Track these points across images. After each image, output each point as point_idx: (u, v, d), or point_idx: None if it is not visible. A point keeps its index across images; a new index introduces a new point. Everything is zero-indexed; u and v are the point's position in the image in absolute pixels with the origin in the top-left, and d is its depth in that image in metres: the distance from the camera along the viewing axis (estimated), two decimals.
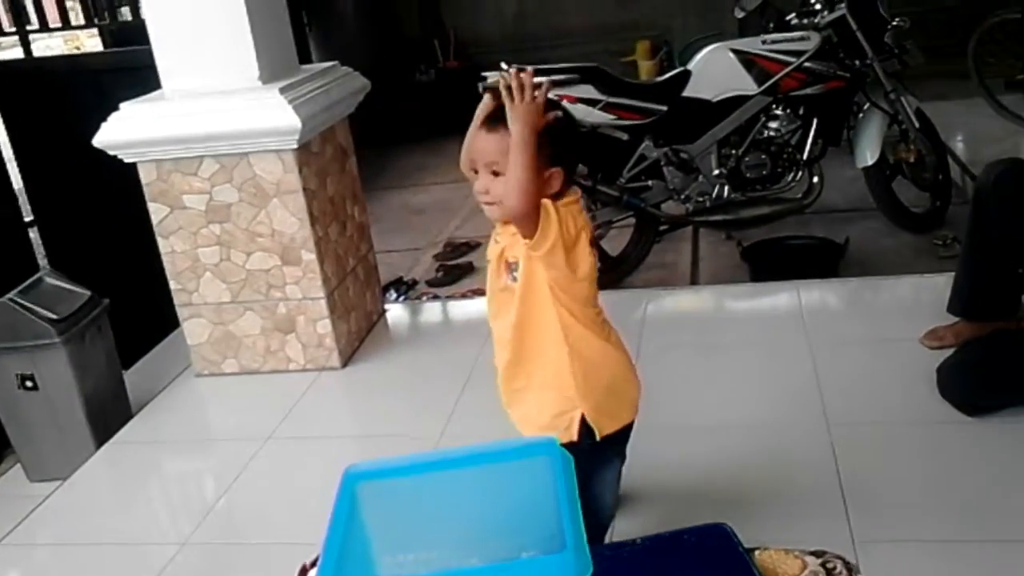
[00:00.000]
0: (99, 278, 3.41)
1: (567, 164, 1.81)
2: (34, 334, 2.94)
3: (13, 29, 6.41)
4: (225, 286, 3.32)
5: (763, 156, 4.16)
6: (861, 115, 4.24)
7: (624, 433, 2.01)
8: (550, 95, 3.97)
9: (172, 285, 3.35)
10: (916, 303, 3.42)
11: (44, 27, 6.70)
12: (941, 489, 2.37)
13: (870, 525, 2.25)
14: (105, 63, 4.67)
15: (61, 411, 3.03)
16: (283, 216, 3.21)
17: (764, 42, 4.07)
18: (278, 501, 2.70)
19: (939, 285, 3.41)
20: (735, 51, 4.07)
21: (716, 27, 6.83)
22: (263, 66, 3.17)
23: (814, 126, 4.14)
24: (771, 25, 4.19)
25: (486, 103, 1.80)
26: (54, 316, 2.97)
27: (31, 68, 5.12)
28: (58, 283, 3.16)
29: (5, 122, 4.62)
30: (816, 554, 1.18)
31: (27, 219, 4.42)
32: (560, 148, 1.76)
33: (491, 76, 3.94)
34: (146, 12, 3.23)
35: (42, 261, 4.42)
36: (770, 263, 4.09)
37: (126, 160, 3.21)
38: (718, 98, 4.05)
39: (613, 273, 4.20)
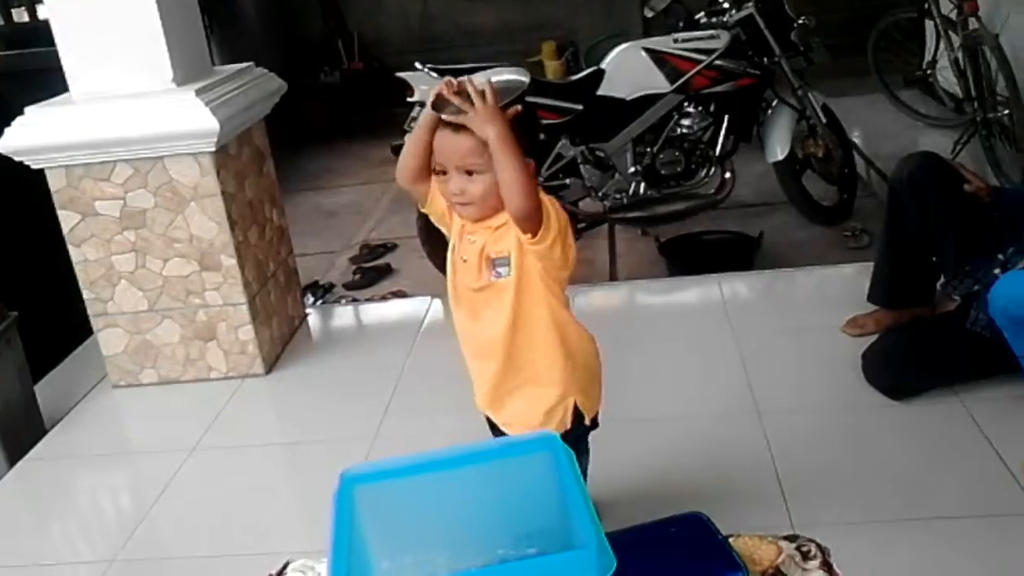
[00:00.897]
0: (6, 290, 3.26)
1: (534, 155, 1.82)
2: None
3: None
4: (142, 294, 3.21)
5: (677, 153, 4.23)
6: (770, 111, 4.35)
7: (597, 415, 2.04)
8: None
9: (85, 294, 3.23)
10: (832, 293, 3.52)
11: None
12: (871, 471, 2.44)
13: (807, 510, 2.30)
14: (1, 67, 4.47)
15: None
16: (201, 221, 3.12)
17: (675, 41, 4.13)
18: (208, 513, 2.63)
19: (851, 275, 3.54)
20: (647, 50, 4.12)
21: (621, 27, 6.94)
22: (177, 68, 3.08)
23: (725, 123, 4.23)
24: (680, 24, 4.26)
25: (430, 116, 1.75)
26: None
27: None
28: None
29: None
30: (790, 539, 1.20)
31: None
32: (527, 140, 1.75)
33: (405, 76, 3.91)
34: (50, 14, 3.10)
35: None
36: (687, 258, 4.16)
37: (33, 166, 3.08)
38: (632, 96, 4.10)
39: None
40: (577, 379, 1.92)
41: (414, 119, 3.90)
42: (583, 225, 4.33)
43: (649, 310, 3.74)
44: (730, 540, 1.20)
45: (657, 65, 4.09)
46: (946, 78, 5.13)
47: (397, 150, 3.95)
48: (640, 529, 1.15)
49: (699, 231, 4.36)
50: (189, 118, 2.97)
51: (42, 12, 5.87)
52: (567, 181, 4.14)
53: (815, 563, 1.15)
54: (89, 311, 3.26)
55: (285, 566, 1.33)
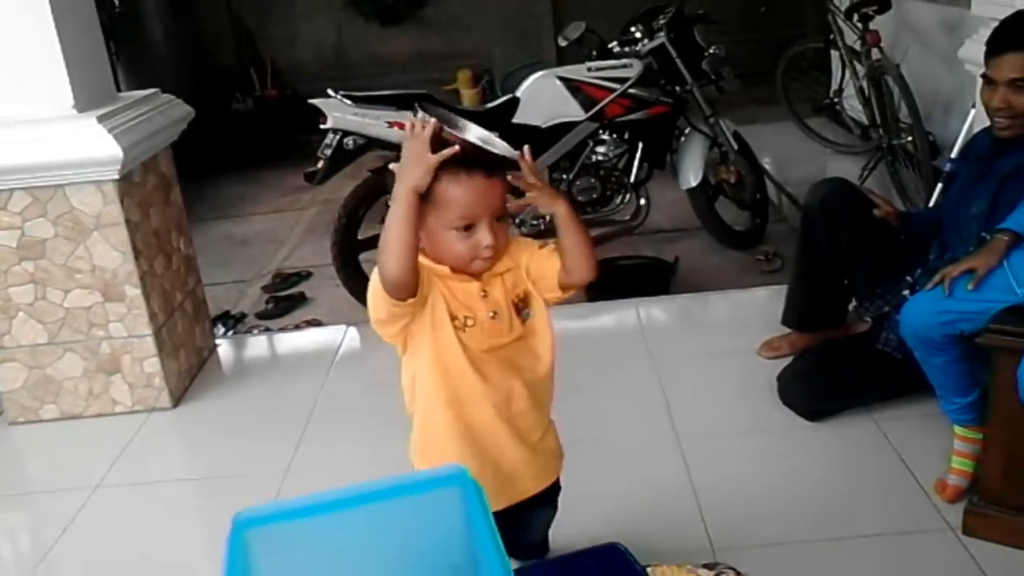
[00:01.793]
0: None
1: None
2: None
3: None
4: (41, 327, 3.08)
5: (592, 180, 4.25)
6: (683, 139, 4.40)
7: None
8: (379, 122, 3.90)
9: None
10: (746, 316, 3.55)
11: None
12: (789, 493, 2.45)
13: (726, 533, 2.30)
14: None
15: None
16: (104, 250, 3.01)
17: (589, 69, 4.16)
18: (113, 554, 2.51)
19: (765, 298, 3.58)
20: (562, 78, 4.14)
21: (535, 55, 6.98)
22: (78, 94, 2.97)
23: (639, 150, 4.26)
24: (593, 53, 4.29)
25: (413, 188, 1.54)
26: None
27: None
28: None
29: None
30: (709, 566, 1.18)
31: None
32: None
33: (318, 102, 3.84)
34: None
35: None
36: (605, 283, 4.15)
37: None
38: (547, 124, 4.10)
39: None
40: None
41: (328, 146, 3.85)
42: None
43: (567, 335, 3.69)
44: (648, 570, 1.17)
45: (571, 93, 4.10)
46: (852, 106, 5.27)
47: (310, 177, 3.96)
48: (557, 561, 1.11)
49: (615, 256, 4.38)
50: (91, 145, 2.87)
51: None
52: None
53: None
54: None
55: None
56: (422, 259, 1.59)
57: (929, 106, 4.43)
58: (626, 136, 4.26)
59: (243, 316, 4.56)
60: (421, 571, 0.82)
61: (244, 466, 2.87)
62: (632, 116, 4.20)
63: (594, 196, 4.27)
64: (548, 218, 4.15)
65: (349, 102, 3.83)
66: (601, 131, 4.21)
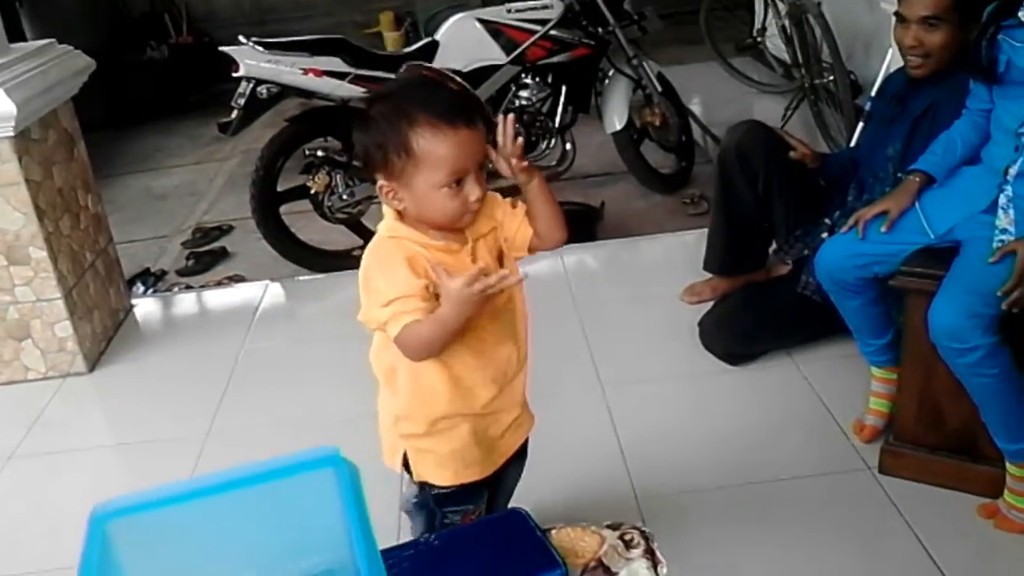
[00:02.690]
0: None
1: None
2: None
3: None
4: None
5: (517, 125, 4.16)
6: (607, 81, 4.34)
7: None
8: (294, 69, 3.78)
9: None
10: (672, 261, 3.55)
11: None
12: (712, 437, 2.47)
13: (651, 481, 2.31)
14: None
15: None
16: (4, 211, 2.88)
17: (509, 11, 4.07)
18: (30, 525, 2.45)
19: (691, 242, 3.57)
20: (481, 21, 4.05)
21: None
22: None
23: (563, 94, 4.19)
24: None
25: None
26: None
27: None
28: None
29: None
30: (613, 527, 1.16)
31: None
32: None
33: (230, 50, 3.70)
34: None
35: None
36: None
37: None
38: (468, 68, 4.01)
39: None
40: None
41: (241, 95, 3.72)
42: None
43: None
44: (552, 532, 1.15)
45: (492, 36, 4.02)
46: (775, 45, 5.25)
47: (224, 128, 3.83)
48: (458, 530, 1.08)
49: None
50: None
51: None
52: None
53: (638, 551, 1.11)
54: None
55: None
56: (411, 243, 1.52)
57: (850, 45, 4.42)
58: (549, 80, 4.18)
59: (163, 273, 4.44)
60: (293, 556, 0.78)
61: (164, 431, 2.81)
62: (554, 59, 4.13)
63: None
64: None
65: (262, 49, 3.70)
66: (524, 75, 4.14)
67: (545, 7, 4.06)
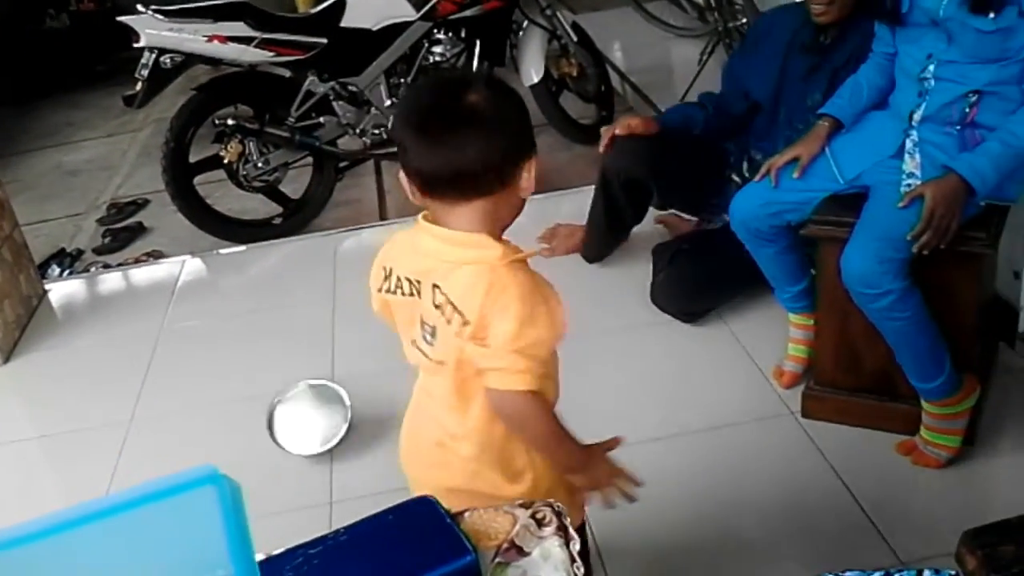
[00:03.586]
0: None
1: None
2: None
3: None
4: None
5: None
6: (521, 34, 4.27)
7: None
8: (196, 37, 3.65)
9: None
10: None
11: None
12: (636, 391, 2.50)
13: (581, 437, 2.31)
14: None
15: None
16: None
17: None
18: None
19: None
20: None
21: None
22: None
23: (477, 48, 4.13)
24: None
25: None
26: None
27: None
28: None
29: None
30: (524, 505, 1.15)
31: None
32: None
33: (128, 20, 3.57)
34: None
35: None
36: None
37: None
38: (378, 27, 3.92)
39: (297, 217, 4.03)
40: None
41: (144, 66, 3.61)
42: (345, 164, 4.17)
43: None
44: (465, 516, 1.14)
45: None
46: None
47: (129, 101, 3.71)
48: (365, 521, 1.06)
49: None
50: None
51: None
52: (321, 120, 3.94)
53: (550, 529, 1.11)
54: None
55: None
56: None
57: None
58: (462, 34, 4.11)
59: (80, 253, 4.31)
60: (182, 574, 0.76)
61: (87, 419, 2.77)
62: (466, 12, 4.04)
63: None
64: (389, 124, 4.02)
65: (162, 17, 3.57)
66: (436, 30, 4.05)
67: None
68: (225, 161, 3.81)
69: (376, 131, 4.04)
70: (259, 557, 0.92)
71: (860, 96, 2.17)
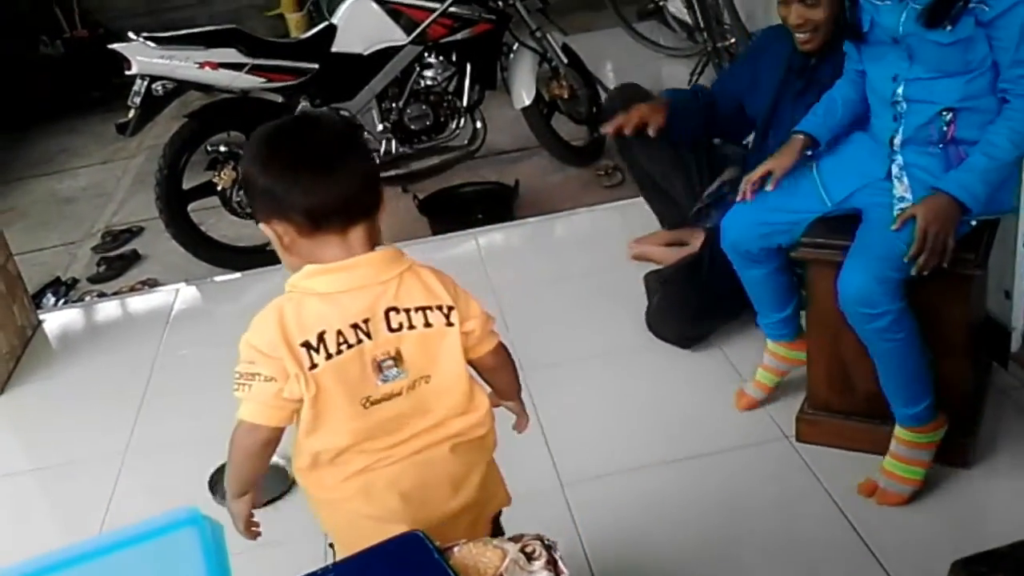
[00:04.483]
0: None
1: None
2: None
3: None
4: None
5: (424, 106, 4.12)
6: (512, 56, 4.30)
7: None
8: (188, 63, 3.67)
9: None
10: (591, 235, 3.55)
11: None
12: (633, 417, 2.48)
13: (575, 465, 2.32)
14: None
15: None
16: None
17: None
18: None
19: (609, 213, 3.57)
20: (379, 1, 3.96)
21: None
22: None
23: (469, 71, 4.14)
24: None
25: None
26: None
27: None
28: None
29: None
30: (514, 539, 1.15)
31: None
32: None
33: (119, 47, 3.59)
34: None
35: None
36: (448, 213, 4.09)
37: None
38: (369, 51, 3.94)
39: None
40: None
41: (137, 93, 3.62)
42: None
43: None
44: (454, 550, 1.13)
45: (391, 16, 3.94)
46: (677, 8, 5.24)
47: (122, 128, 3.72)
48: (353, 558, 1.06)
49: (458, 184, 4.29)
50: None
51: None
52: None
53: (539, 563, 1.11)
54: None
55: None
56: None
57: (749, 6, 4.44)
58: (453, 58, 4.13)
59: (75, 282, 4.31)
60: None
61: (82, 451, 2.76)
62: (456, 36, 4.07)
63: (428, 123, 4.15)
64: (382, 149, 4.02)
65: (153, 44, 3.59)
66: (427, 54, 4.08)
67: None
68: (219, 188, 3.82)
69: None
70: None
71: (835, 112, 2.17)
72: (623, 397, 2.57)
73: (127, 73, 3.60)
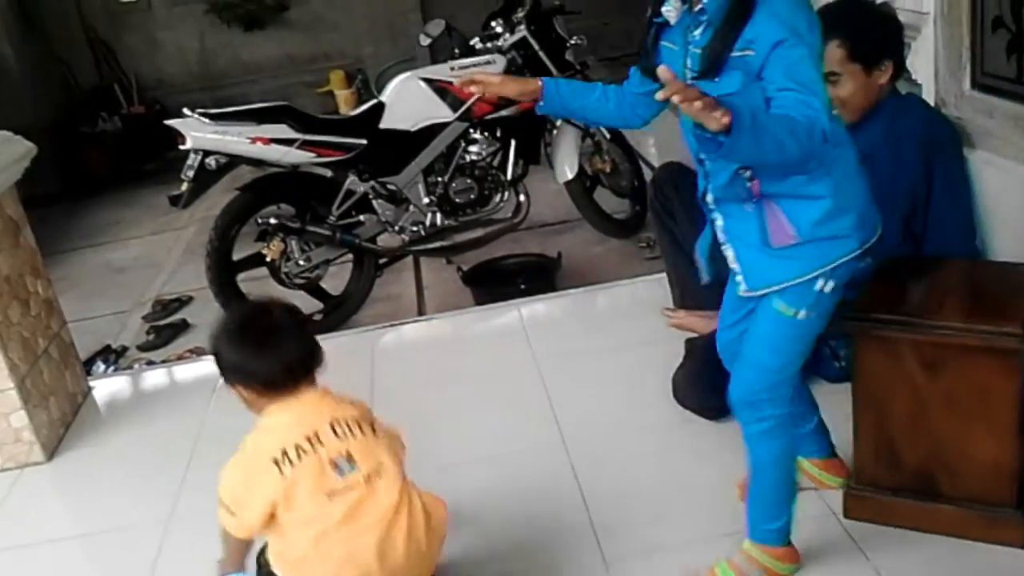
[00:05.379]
0: None
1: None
2: None
3: None
4: None
5: (469, 180, 4.20)
6: (555, 132, 4.38)
7: None
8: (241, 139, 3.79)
9: None
10: (632, 307, 3.56)
11: None
12: (677, 492, 2.45)
13: (618, 542, 2.29)
14: None
15: None
16: None
17: (452, 68, 4.09)
18: None
19: (650, 286, 3.58)
20: (425, 80, 4.07)
21: (407, 52, 6.87)
22: None
23: (513, 147, 4.22)
24: (456, 51, 4.24)
25: None
26: None
27: None
28: None
29: None
30: None
31: None
32: None
33: (174, 123, 3.71)
34: None
35: None
36: (491, 285, 4.13)
37: None
38: (416, 127, 4.03)
39: (337, 313, 4.09)
40: None
41: (190, 167, 3.73)
42: (384, 260, 4.24)
43: (455, 343, 3.65)
44: None
45: (437, 94, 4.03)
46: None
47: (175, 201, 3.82)
48: None
49: (499, 256, 4.34)
50: None
51: None
52: (361, 218, 4.04)
53: None
54: None
55: None
56: None
57: None
58: (498, 133, 4.21)
59: (124, 349, 4.40)
60: None
61: (127, 518, 2.76)
62: (501, 113, 4.15)
63: (472, 197, 4.22)
64: (427, 222, 4.10)
65: (207, 120, 3.71)
66: (472, 130, 4.16)
67: (488, 63, 4.08)
68: (268, 259, 3.90)
69: (415, 228, 4.12)
70: None
71: (587, 93, 2.09)
72: (666, 471, 2.54)
73: (181, 147, 3.72)
